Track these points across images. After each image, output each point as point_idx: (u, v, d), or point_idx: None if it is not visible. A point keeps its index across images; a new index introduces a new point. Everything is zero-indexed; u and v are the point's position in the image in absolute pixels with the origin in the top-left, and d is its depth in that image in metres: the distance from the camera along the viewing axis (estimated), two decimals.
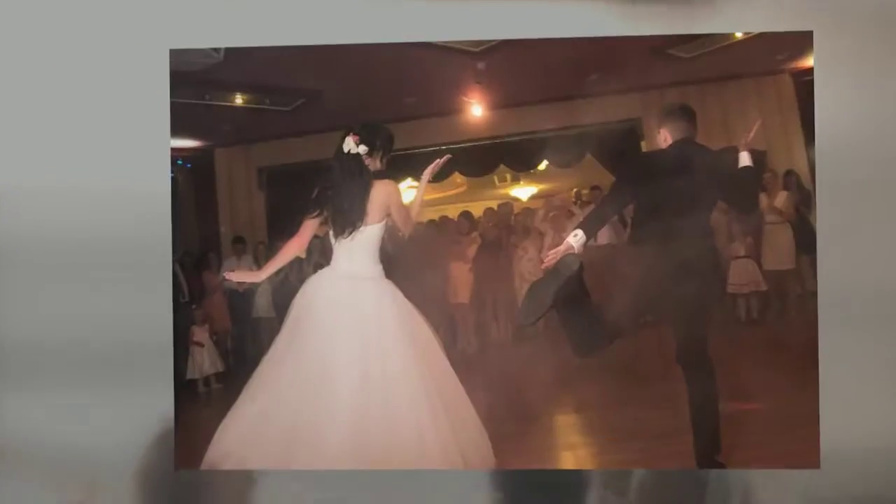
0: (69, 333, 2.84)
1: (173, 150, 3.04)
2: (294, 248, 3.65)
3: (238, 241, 8.72)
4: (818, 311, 2.70)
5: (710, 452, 3.37)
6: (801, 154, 8.68)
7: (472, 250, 7.98)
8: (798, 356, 3.83)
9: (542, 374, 5.57)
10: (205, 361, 7.20)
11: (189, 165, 9.32)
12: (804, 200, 7.56)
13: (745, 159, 3.50)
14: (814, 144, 2.80)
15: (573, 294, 3.34)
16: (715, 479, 2.73)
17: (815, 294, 2.75)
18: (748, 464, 3.42)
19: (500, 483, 2.80)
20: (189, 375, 7.13)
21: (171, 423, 2.85)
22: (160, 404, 2.87)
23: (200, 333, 7.22)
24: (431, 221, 8.93)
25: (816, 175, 2.81)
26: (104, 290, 2.86)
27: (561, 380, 5.43)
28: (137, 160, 2.91)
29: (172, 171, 2.89)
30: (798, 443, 3.42)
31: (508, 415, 4.50)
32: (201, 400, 7.14)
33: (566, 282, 3.27)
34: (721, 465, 3.34)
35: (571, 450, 4.24)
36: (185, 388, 7.05)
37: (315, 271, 3.69)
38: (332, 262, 3.55)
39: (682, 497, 2.70)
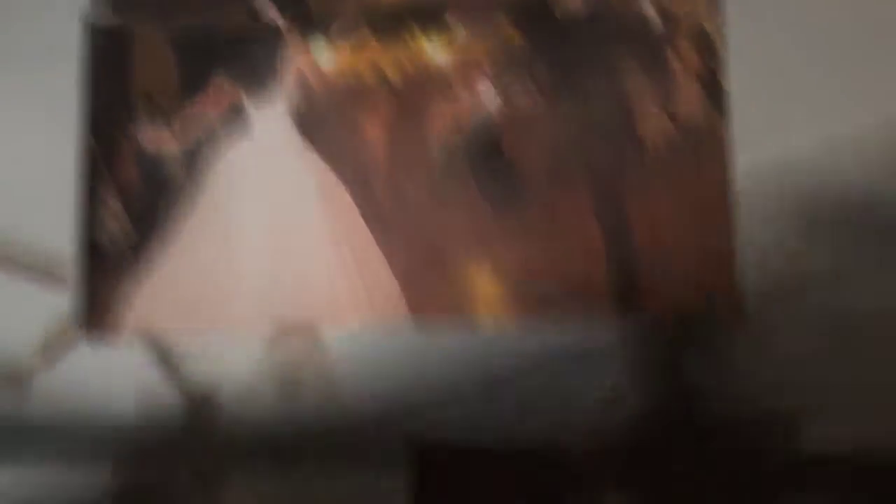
0: None
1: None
2: (206, 110, 3.59)
3: (149, 100, 8.50)
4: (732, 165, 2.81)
5: (629, 298, 3.53)
6: (713, 9, 8.83)
7: (386, 111, 7.93)
8: (712, 202, 3.96)
9: (458, 230, 5.70)
10: (114, 227, 7.14)
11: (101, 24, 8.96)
12: (713, 58, 7.74)
13: (653, 16, 3.53)
14: None
15: (488, 152, 3.39)
16: (633, 326, 2.85)
17: (727, 145, 2.84)
18: (669, 309, 3.64)
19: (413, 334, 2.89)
20: (97, 241, 7.10)
21: (79, 291, 2.84)
22: (67, 269, 2.86)
23: (110, 198, 7.13)
24: (345, 82, 8.85)
25: (727, 31, 2.85)
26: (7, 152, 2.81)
27: (477, 236, 5.57)
28: (47, 22, 2.83)
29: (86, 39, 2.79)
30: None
31: (423, 269, 4.62)
32: (109, 266, 7.13)
33: (481, 142, 3.31)
34: (640, 310, 3.51)
35: (486, 299, 4.37)
36: (92, 254, 7.07)
37: (228, 136, 3.65)
38: (246, 127, 3.51)
39: (601, 343, 2.84)
